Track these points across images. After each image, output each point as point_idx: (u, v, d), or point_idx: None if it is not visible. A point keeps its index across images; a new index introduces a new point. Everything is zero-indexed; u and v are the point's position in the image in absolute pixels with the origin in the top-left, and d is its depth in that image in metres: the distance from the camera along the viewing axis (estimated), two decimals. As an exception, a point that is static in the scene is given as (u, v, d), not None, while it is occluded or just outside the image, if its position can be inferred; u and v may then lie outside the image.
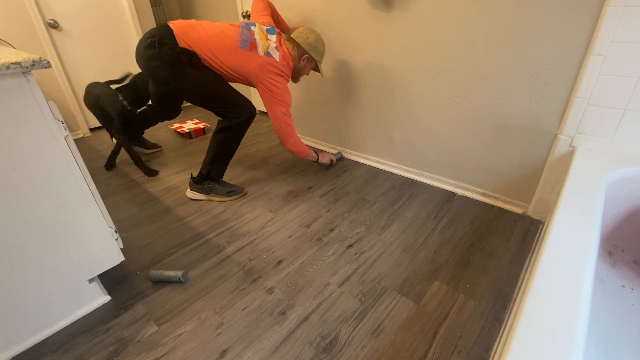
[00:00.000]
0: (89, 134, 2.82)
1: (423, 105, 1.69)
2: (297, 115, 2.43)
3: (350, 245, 1.37)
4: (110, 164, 2.14)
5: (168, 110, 2.03)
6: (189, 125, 2.75)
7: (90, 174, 2.07)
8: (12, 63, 0.76)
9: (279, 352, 0.96)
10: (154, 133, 2.75)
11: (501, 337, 0.90)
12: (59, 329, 1.06)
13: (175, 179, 1.99)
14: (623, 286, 1.09)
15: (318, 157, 1.92)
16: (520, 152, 1.46)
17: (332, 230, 1.47)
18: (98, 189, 1.74)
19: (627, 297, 1.05)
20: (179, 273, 1.20)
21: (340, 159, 2.18)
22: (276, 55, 1.54)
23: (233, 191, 1.74)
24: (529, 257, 1.26)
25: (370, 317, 1.05)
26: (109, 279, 1.24)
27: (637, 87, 1.09)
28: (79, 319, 1.09)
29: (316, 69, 1.76)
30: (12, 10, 2.26)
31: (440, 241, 1.38)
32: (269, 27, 1.59)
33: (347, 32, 1.81)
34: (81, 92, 2.71)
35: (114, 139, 2.46)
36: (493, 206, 1.61)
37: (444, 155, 1.73)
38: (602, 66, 1.13)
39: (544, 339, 0.56)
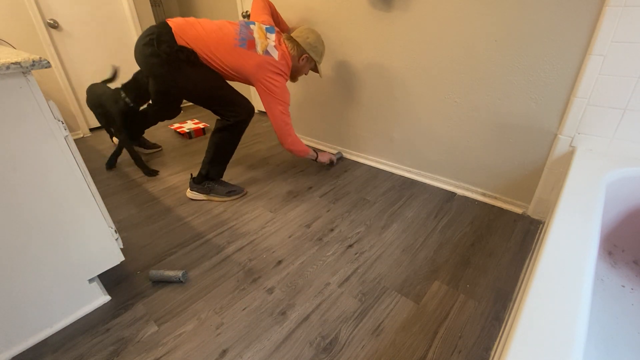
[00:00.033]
0: (89, 134, 2.82)
1: (423, 105, 1.69)
2: (297, 115, 2.43)
3: (350, 245, 1.37)
4: (111, 164, 2.14)
5: (168, 110, 2.03)
6: (189, 125, 2.75)
7: (90, 174, 2.07)
8: (12, 63, 0.76)
9: (279, 352, 0.96)
10: (154, 133, 2.75)
11: (501, 337, 0.90)
12: (59, 329, 1.06)
13: (175, 179, 1.99)
14: (623, 286, 1.09)
15: (317, 156, 1.92)
16: (520, 152, 1.46)
17: (332, 230, 1.47)
18: (98, 189, 1.74)
19: (627, 297, 1.05)
20: (179, 273, 1.20)
21: (340, 159, 2.19)
22: (275, 54, 1.53)
23: (233, 191, 1.74)
24: (529, 257, 1.26)
25: (370, 317, 1.05)
26: (109, 279, 1.24)
27: (637, 87, 1.09)
28: (79, 319, 1.09)
29: (315, 69, 1.75)
30: (12, 10, 2.26)
31: (440, 241, 1.38)
32: (268, 26, 1.59)
33: (347, 32, 1.81)
34: (81, 92, 2.71)
35: (114, 140, 2.46)
36: (493, 206, 1.61)
37: (444, 155, 1.73)
38: (602, 66, 1.13)
39: (544, 339, 0.56)
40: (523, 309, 0.61)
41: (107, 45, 2.78)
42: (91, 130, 2.88)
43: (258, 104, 3.00)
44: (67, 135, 0.95)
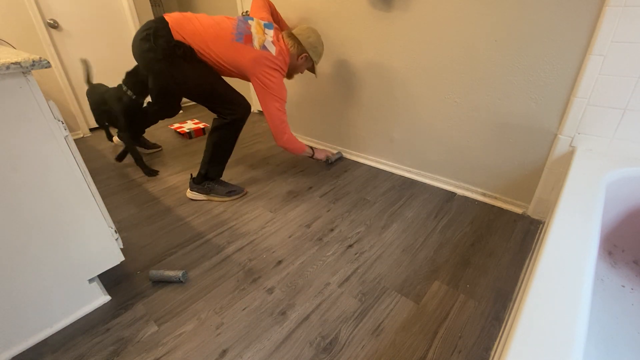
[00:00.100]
0: (89, 134, 2.82)
1: (423, 105, 1.69)
2: (297, 115, 2.43)
3: (350, 245, 1.37)
4: (122, 157, 2.19)
5: (167, 108, 2.02)
6: (189, 125, 2.75)
7: (90, 174, 2.07)
8: (12, 63, 0.76)
9: (279, 352, 0.96)
10: (154, 133, 2.75)
11: (501, 337, 0.90)
12: (59, 329, 1.06)
13: (175, 179, 1.99)
14: (623, 286, 1.09)
15: (313, 153, 1.90)
16: (520, 152, 1.46)
17: (332, 230, 1.47)
18: (98, 189, 1.73)
19: (627, 297, 1.05)
20: (179, 273, 1.20)
21: (340, 158, 2.19)
22: (272, 50, 1.52)
23: (233, 191, 1.74)
24: (529, 257, 1.26)
25: (370, 317, 1.05)
26: (109, 279, 1.24)
27: (637, 87, 1.09)
28: (79, 319, 1.09)
29: (311, 69, 1.75)
30: (12, 10, 2.26)
31: (440, 241, 1.38)
32: (267, 23, 1.58)
33: (348, 31, 1.81)
34: (81, 92, 2.71)
35: (114, 140, 2.46)
36: (493, 206, 1.61)
37: (444, 155, 1.73)
38: (602, 66, 1.13)
39: (544, 339, 0.56)
40: (523, 309, 0.61)
41: (107, 45, 2.78)
42: (91, 130, 2.88)
43: (257, 104, 3.00)
44: (67, 135, 0.95)
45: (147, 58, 1.43)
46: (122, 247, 1.18)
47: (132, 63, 1.81)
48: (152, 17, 2.95)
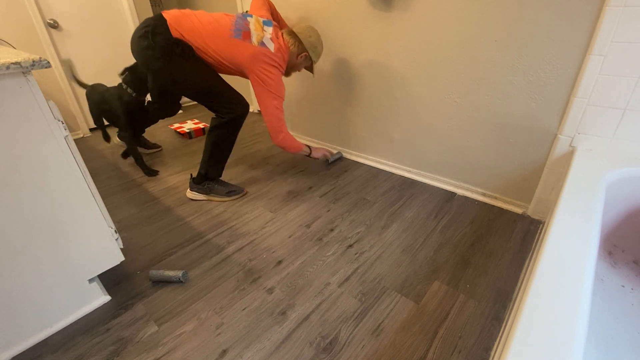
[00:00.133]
0: (89, 134, 2.82)
1: (423, 105, 1.69)
2: (296, 114, 2.43)
3: (350, 245, 1.37)
4: (127, 154, 2.21)
5: (167, 107, 2.02)
6: (189, 125, 2.75)
7: (90, 174, 2.07)
8: (12, 63, 0.76)
9: (279, 352, 0.96)
10: (154, 133, 2.75)
11: (501, 337, 0.90)
12: (59, 329, 1.06)
13: (175, 179, 1.99)
14: (623, 286, 1.09)
15: (311, 152, 1.88)
16: (520, 152, 1.46)
17: (332, 230, 1.47)
18: (98, 189, 1.74)
19: (627, 297, 1.05)
20: (179, 273, 1.20)
21: (340, 158, 2.18)
22: (271, 46, 1.51)
23: (233, 191, 1.74)
24: (529, 257, 1.26)
25: (370, 317, 1.05)
26: (109, 279, 1.24)
27: (637, 87, 1.09)
28: (79, 319, 1.09)
29: (310, 68, 1.75)
30: (12, 10, 2.26)
31: (440, 241, 1.38)
32: (266, 20, 1.57)
33: (348, 31, 1.81)
34: (81, 92, 2.71)
35: (114, 141, 2.46)
36: (493, 206, 1.61)
37: (444, 155, 1.73)
38: (602, 66, 1.13)
39: (544, 339, 0.56)
40: (523, 309, 0.61)
41: (107, 45, 2.78)
42: (91, 130, 2.87)
43: (257, 105, 3.00)
44: (67, 135, 0.95)
45: (146, 56, 1.43)
46: (122, 247, 1.18)
47: (132, 63, 1.82)
48: (152, 17, 2.95)
